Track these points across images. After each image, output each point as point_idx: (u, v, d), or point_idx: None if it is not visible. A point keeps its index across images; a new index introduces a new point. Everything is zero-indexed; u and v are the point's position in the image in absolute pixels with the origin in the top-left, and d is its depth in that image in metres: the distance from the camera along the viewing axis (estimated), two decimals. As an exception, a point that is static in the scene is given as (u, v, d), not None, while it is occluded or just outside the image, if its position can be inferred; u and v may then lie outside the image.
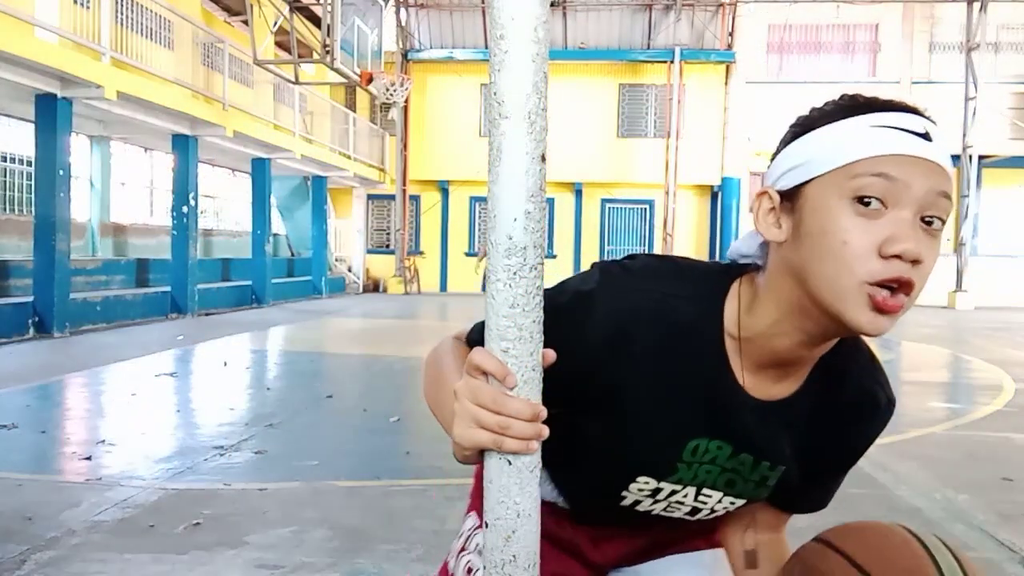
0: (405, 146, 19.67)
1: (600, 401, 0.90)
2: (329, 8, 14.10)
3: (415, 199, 19.97)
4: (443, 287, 19.97)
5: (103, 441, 4.31)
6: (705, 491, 0.96)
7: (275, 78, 15.31)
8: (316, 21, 16.77)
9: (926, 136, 0.76)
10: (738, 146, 18.52)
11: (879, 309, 0.74)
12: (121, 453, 4.08)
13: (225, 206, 19.49)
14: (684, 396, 0.88)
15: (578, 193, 19.25)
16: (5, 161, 11.84)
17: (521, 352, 0.79)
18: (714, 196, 19.00)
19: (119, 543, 2.81)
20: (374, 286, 20.37)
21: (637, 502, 0.98)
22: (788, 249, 0.81)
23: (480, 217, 19.46)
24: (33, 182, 9.53)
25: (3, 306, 8.64)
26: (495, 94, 0.81)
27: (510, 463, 0.80)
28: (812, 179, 0.78)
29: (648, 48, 19.16)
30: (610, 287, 0.89)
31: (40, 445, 4.27)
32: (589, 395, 0.90)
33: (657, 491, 0.95)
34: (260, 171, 14.97)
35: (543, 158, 0.83)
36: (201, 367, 7.52)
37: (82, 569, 2.58)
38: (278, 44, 16.98)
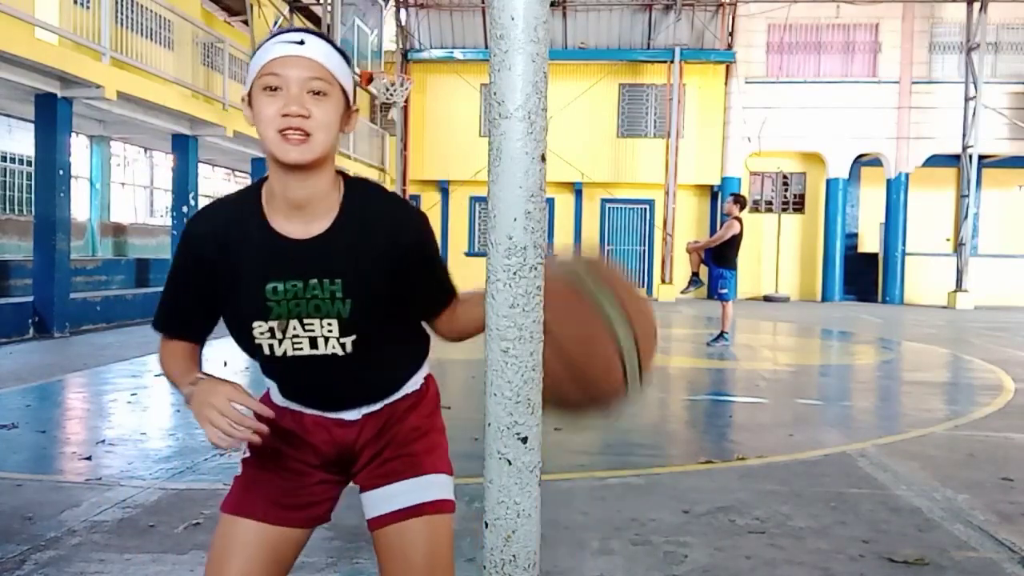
0: (405, 146, 19.67)
1: (220, 281, 1.34)
2: (329, 8, 14.11)
3: (415, 199, 19.96)
4: (443, 287, 19.94)
5: (103, 441, 4.31)
6: (305, 320, 1.32)
7: (275, 78, 15.30)
8: (316, 21, 16.78)
9: (301, 43, 1.24)
10: (738, 146, 18.52)
11: (288, 143, 1.22)
12: (121, 453, 4.08)
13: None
14: (251, 253, 1.31)
15: (578, 193, 19.24)
16: (5, 161, 11.84)
17: (521, 352, 0.79)
18: (714, 196, 18.99)
19: (119, 543, 2.81)
20: (374, 286, 20.35)
21: (272, 347, 1.34)
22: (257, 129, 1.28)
23: (480, 217, 19.46)
24: (33, 182, 9.53)
25: (3, 306, 8.64)
26: (495, 94, 0.81)
27: (510, 463, 0.79)
28: (253, 82, 1.26)
29: (648, 48, 19.16)
30: (190, 222, 1.39)
31: (40, 445, 4.27)
32: (217, 281, 1.34)
33: (272, 331, 1.32)
34: (260, 171, 14.97)
35: (543, 158, 0.83)
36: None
37: (82, 569, 2.58)
38: (278, 44, 16.96)
